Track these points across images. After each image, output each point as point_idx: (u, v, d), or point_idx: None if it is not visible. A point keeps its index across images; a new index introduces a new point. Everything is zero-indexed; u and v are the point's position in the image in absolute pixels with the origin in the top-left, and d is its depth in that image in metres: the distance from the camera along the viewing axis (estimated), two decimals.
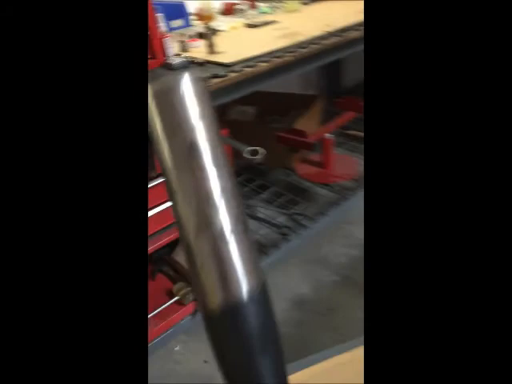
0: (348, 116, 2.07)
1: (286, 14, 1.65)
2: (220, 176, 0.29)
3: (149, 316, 1.29)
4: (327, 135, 1.89)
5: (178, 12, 1.51)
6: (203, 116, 0.28)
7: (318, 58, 1.33)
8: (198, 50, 1.26)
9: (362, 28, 1.37)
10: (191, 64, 1.17)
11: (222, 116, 2.01)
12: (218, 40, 1.25)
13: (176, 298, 1.35)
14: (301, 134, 1.78)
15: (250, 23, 1.51)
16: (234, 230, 0.29)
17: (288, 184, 1.99)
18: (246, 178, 2.02)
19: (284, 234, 1.67)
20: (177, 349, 1.38)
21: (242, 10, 1.71)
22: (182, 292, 1.34)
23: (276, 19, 1.54)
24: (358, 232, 1.80)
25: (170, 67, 1.13)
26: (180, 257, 1.47)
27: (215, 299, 0.29)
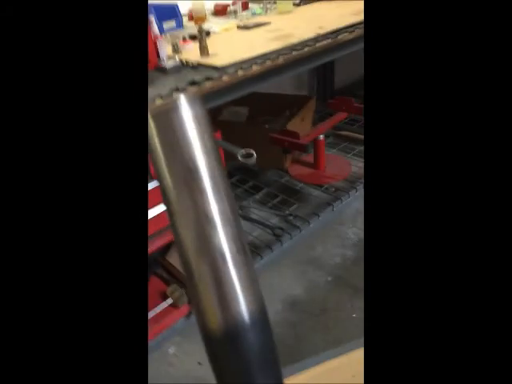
0: (340, 117, 2.09)
1: (278, 16, 1.65)
2: (219, 198, 0.29)
3: None
4: (320, 136, 1.90)
5: (171, 13, 1.50)
6: (202, 138, 0.29)
7: (310, 60, 1.33)
8: (191, 52, 1.26)
9: (355, 30, 1.38)
10: (184, 67, 1.17)
11: (214, 117, 2.00)
12: (210, 42, 1.25)
13: (170, 300, 1.35)
14: (293, 135, 1.79)
15: (243, 25, 1.51)
16: (234, 252, 0.29)
17: (281, 185, 2.00)
18: (238, 179, 2.02)
19: (277, 235, 1.67)
20: (171, 351, 1.38)
21: (234, 11, 1.71)
22: (175, 294, 1.34)
23: (268, 21, 1.54)
24: (351, 232, 1.81)
25: (163, 70, 1.13)
26: (173, 258, 1.47)
27: (215, 321, 0.29)
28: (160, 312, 1.32)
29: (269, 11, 1.73)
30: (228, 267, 0.29)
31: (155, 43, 1.13)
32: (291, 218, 1.76)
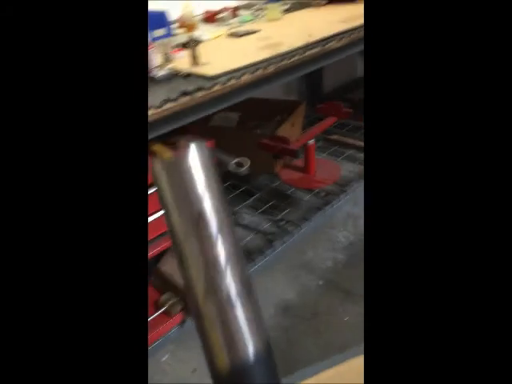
0: (330, 121, 2.11)
1: (267, 23, 1.67)
2: (226, 242, 0.30)
3: None
4: (310, 141, 1.91)
5: (160, 21, 1.50)
6: (209, 186, 0.30)
7: (300, 68, 1.35)
8: (182, 61, 1.26)
9: (343, 38, 1.40)
10: (175, 76, 1.17)
11: (205, 122, 2.01)
12: (201, 50, 1.25)
13: (163, 309, 1.35)
14: (284, 140, 1.80)
15: (233, 32, 1.52)
16: (240, 294, 0.30)
17: (272, 190, 2.01)
18: (230, 185, 2.03)
19: (269, 240, 1.69)
20: (165, 359, 1.38)
21: (223, 18, 1.72)
22: (169, 303, 1.34)
23: (258, 28, 1.56)
24: (341, 236, 1.83)
25: (153, 80, 1.13)
26: (167, 267, 1.47)
27: (223, 359, 0.30)
28: (153, 321, 1.32)
29: (257, 18, 1.74)
30: (234, 308, 0.30)
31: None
32: (283, 223, 1.77)
